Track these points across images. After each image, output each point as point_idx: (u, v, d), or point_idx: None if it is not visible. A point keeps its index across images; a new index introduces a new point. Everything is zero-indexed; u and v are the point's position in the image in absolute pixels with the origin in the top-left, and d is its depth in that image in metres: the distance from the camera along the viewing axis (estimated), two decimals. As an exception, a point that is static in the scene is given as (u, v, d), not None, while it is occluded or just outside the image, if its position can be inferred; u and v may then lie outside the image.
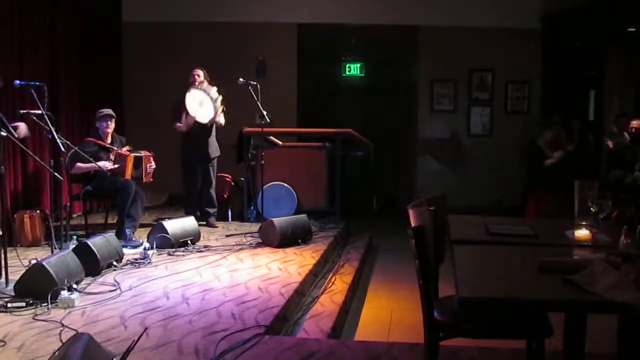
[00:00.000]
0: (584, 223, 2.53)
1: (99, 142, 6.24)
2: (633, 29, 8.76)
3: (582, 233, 2.50)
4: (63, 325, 3.67)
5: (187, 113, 6.85)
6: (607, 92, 9.52)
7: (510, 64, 9.43)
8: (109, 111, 6.36)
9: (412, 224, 2.51)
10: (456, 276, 1.92)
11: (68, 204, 5.99)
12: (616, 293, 1.72)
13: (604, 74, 9.48)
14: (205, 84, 6.89)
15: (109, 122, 6.31)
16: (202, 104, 6.83)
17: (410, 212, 2.57)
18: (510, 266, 2.22)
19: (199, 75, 7.02)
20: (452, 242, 2.46)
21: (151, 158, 6.54)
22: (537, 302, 1.84)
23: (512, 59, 9.38)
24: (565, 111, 9.12)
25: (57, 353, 2.74)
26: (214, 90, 6.85)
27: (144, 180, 6.44)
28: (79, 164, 6.09)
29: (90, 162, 5.94)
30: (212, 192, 7.23)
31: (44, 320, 3.75)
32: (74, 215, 7.27)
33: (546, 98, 9.50)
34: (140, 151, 6.48)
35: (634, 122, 8.34)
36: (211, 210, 7.23)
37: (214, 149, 7.18)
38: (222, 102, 6.98)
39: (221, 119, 7.07)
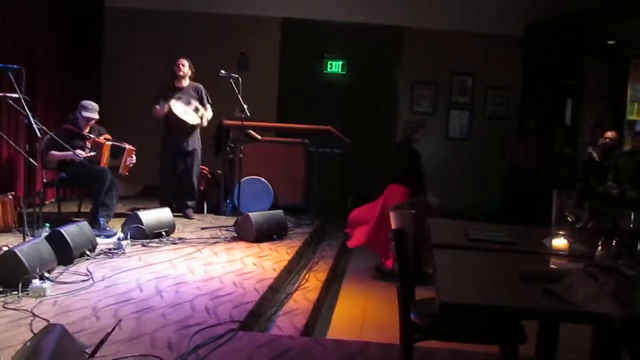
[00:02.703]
0: (561, 232, 2.56)
1: (76, 130, 6.15)
2: (612, 42, 8.90)
3: (560, 243, 2.53)
4: (34, 314, 3.62)
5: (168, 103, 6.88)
6: (585, 102, 9.67)
7: (491, 70, 9.51)
8: (94, 114, 6.20)
9: (393, 227, 2.52)
10: (437, 281, 1.93)
11: (42, 190, 5.89)
12: (594, 304, 1.75)
13: (583, 84, 9.64)
14: (185, 97, 6.95)
15: (90, 123, 6.21)
16: (187, 113, 6.90)
17: (391, 215, 2.57)
18: (490, 273, 2.25)
19: (183, 65, 7.00)
20: (433, 246, 2.48)
21: (133, 152, 6.47)
22: (517, 310, 1.86)
23: (494, 65, 9.46)
24: (541, 118, 9.25)
25: (29, 344, 2.70)
26: (194, 102, 6.92)
27: (120, 172, 6.37)
28: (53, 152, 5.99)
29: (66, 149, 5.84)
30: (194, 184, 7.20)
31: (14, 309, 3.69)
32: (47, 202, 7.16)
33: (525, 105, 9.60)
34: (124, 143, 6.41)
35: (609, 133, 8.49)
36: (189, 202, 7.20)
37: (195, 142, 7.15)
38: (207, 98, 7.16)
39: (209, 114, 7.09)
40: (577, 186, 8.24)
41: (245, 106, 6.62)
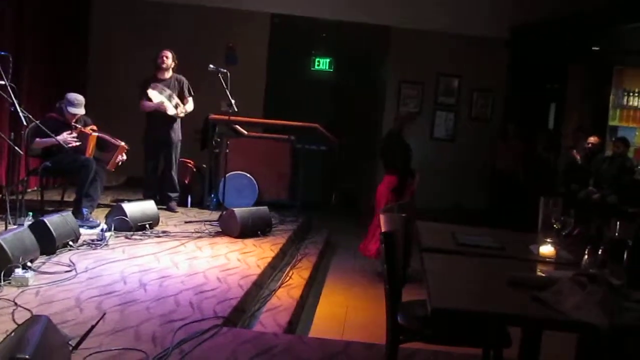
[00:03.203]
0: (548, 240, 2.60)
1: (62, 119, 6.09)
2: (597, 48, 8.99)
3: (547, 250, 2.57)
4: (16, 304, 3.60)
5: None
6: (568, 106, 9.77)
7: (477, 72, 9.57)
8: (80, 109, 6.11)
9: (383, 229, 2.54)
10: (428, 286, 1.96)
11: (25, 178, 5.83)
12: (582, 313, 1.78)
13: (566, 88, 9.73)
14: (167, 92, 6.93)
15: (75, 116, 6.16)
16: (164, 101, 6.86)
17: (381, 217, 2.59)
18: (479, 278, 2.28)
19: (167, 57, 6.97)
20: (422, 249, 2.50)
21: (124, 151, 6.43)
22: (508, 317, 1.89)
23: (479, 67, 9.52)
24: (524, 121, 9.33)
25: (13, 334, 2.67)
26: (174, 97, 6.91)
27: (108, 167, 6.35)
28: (38, 139, 5.94)
29: (50, 136, 5.79)
30: (174, 177, 7.16)
31: (-4, 298, 3.67)
32: (29, 190, 7.08)
33: (509, 108, 9.68)
34: (117, 140, 6.38)
35: (591, 138, 8.59)
36: (172, 195, 7.17)
37: (177, 134, 7.12)
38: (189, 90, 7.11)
39: (190, 106, 7.08)
40: (564, 188, 8.34)
41: (232, 101, 6.61)
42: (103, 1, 9.06)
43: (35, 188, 7.20)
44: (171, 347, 3.22)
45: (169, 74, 7.02)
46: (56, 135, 5.81)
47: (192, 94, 7.15)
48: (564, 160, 8.98)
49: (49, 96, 7.67)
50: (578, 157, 8.48)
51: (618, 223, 2.49)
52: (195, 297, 4.11)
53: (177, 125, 7.13)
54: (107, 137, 6.35)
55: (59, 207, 6.43)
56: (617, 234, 2.51)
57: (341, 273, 6.32)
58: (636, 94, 9.70)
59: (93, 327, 3.06)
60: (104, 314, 3.50)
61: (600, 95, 9.68)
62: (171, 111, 6.94)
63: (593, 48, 9.09)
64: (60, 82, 7.94)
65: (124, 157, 6.45)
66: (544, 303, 1.85)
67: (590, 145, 8.51)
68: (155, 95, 6.86)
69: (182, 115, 7.08)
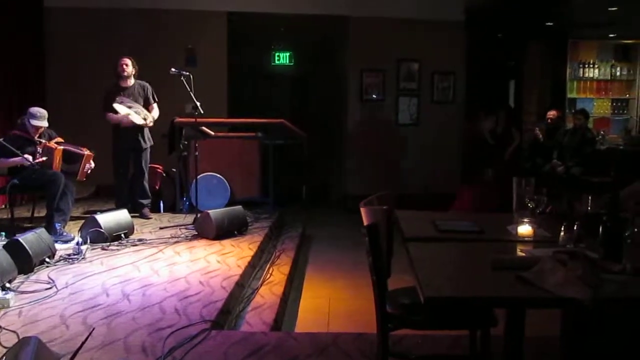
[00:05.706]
0: (525, 220, 2.69)
1: (26, 135, 6.01)
2: (551, 24, 9.20)
3: (525, 229, 2.66)
4: (0, 327, 3.56)
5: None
6: (526, 82, 9.98)
7: (436, 55, 9.66)
8: (42, 122, 6.03)
9: (365, 222, 2.59)
10: (417, 276, 2.02)
11: (-7, 198, 5.76)
12: (565, 289, 1.87)
13: (524, 65, 9.94)
14: (128, 100, 6.85)
15: (39, 130, 6.07)
16: (130, 114, 6.78)
17: (363, 210, 2.64)
18: (464, 263, 2.35)
19: (127, 65, 6.89)
20: (406, 239, 2.57)
21: (91, 158, 6.37)
22: (496, 299, 1.97)
23: (438, 50, 9.61)
24: (488, 100, 9.49)
25: (4, 358, 2.67)
26: (139, 105, 6.85)
27: (78, 178, 6.28)
28: (2, 159, 5.85)
29: (15, 155, 5.71)
30: (145, 183, 7.12)
31: (-21, 323, 3.63)
32: (-4, 209, 7.00)
33: (470, 88, 9.81)
34: (82, 149, 6.31)
35: (550, 112, 8.81)
36: (145, 202, 7.13)
37: (146, 139, 7.07)
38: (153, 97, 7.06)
39: (156, 113, 7.02)
40: (529, 163, 8.53)
41: (198, 103, 6.58)
42: (54, 12, 8.89)
43: (3, 206, 7.12)
44: (163, 356, 3.23)
45: (131, 82, 6.96)
46: (21, 152, 5.73)
47: (157, 100, 7.10)
48: (526, 137, 9.19)
49: (7, 112, 7.55)
50: (540, 136, 8.69)
51: (589, 198, 2.59)
52: (179, 303, 4.12)
53: (146, 131, 7.08)
54: (71, 148, 6.28)
55: (30, 223, 6.36)
56: (589, 209, 2.60)
57: (320, 265, 6.38)
58: (591, 66, 9.99)
59: (83, 343, 3.05)
60: (93, 329, 3.49)
61: (557, 69, 9.92)
62: (139, 121, 6.87)
63: (547, 23, 9.29)
64: (18, 97, 7.81)
65: (92, 164, 6.39)
66: (529, 282, 1.93)
67: (549, 120, 8.72)
68: (122, 109, 6.78)
69: (150, 124, 7.01)
